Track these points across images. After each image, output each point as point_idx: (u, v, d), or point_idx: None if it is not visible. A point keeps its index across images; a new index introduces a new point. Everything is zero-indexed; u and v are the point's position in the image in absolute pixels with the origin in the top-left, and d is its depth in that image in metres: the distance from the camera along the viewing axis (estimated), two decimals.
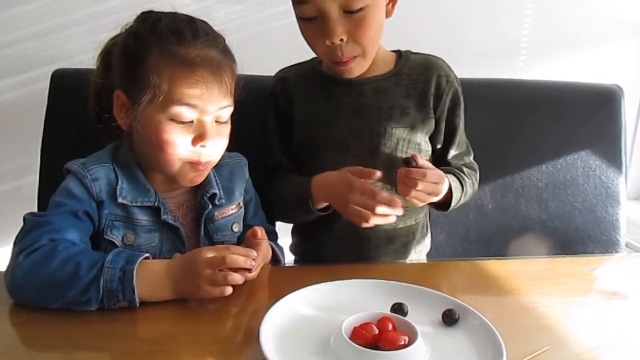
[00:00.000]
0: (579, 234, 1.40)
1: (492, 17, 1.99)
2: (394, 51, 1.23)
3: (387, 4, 1.09)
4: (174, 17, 0.96)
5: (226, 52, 0.99)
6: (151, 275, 0.86)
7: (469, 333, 0.79)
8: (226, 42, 1.00)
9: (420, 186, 1.00)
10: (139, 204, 0.99)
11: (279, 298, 0.84)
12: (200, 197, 1.05)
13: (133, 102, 0.94)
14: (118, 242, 0.98)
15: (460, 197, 1.16)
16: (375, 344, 0.73)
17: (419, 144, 1.17)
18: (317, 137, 1.18)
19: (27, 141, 1.68)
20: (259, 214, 1.17)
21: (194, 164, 0.97)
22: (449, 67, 1.21)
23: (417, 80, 1.17)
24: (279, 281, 0.99)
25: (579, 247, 1.40)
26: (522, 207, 1.41)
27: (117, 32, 1.01)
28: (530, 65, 2.04)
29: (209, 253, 0.86)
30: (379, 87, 1.16)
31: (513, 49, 2.04)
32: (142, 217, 1.00)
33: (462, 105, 1.20)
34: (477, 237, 1.41)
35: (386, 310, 0.81)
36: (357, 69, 1.12)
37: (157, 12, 0.97)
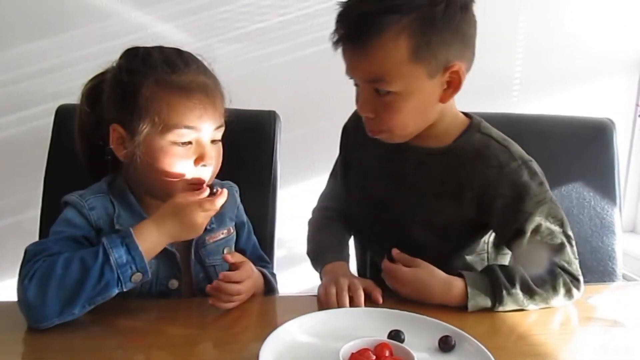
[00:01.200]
0: None
1: (486, 55, 2.03)
2: (468, 116, 1.13)
3: (446, 89, 1.00)
4: (161, 49, 1.02)
5: (214, 77, 1.05)
6: (148, 239, 0.91)
7: None
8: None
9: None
10: None
11: (276, 326, 0.84)
12: None
13: (132, 134, 0.97)
14: None
15: (494, 305, 0.98)
16: None
17: (446, 230, 1.08)
18: (361, 188, 1.21)
19: (28, 176, 1.70)
20: (251, 240, 1.21)
21: (195, 186, 0.98)
22: (511, 155, 1.05)
23: (462, 166, 1.06)
24: (276, 311, 1.00)
25: None
26: None
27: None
28: (523, 100, 2.08)
29: (182, 195, 0.94)
30: (422, 161, 1.09)
31: (506, 85, 2.09)
32: None
33: (537, 198, 1.03)
34: None
35: (383, 337, 0.82)
36: (388, 140, 1.07)
37: (144, 47, 1.02)
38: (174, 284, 1.05)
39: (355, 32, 0.94)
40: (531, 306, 0.98)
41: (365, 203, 1.20)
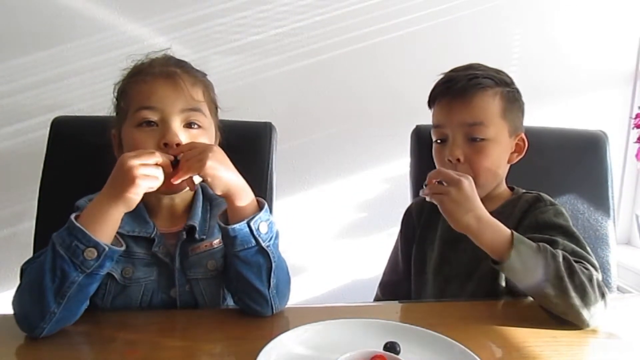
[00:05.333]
0: None
1: None
2: (511, 189, 1.29)
3: (513, 152, 1.24)
4: (157, 56, 1.08)
5: (188, 68, 1.08)
6: (91, 210, 0.90)
7: None
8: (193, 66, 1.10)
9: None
10: (135, 234, 1.02)
11: (271, 338, 0.84)
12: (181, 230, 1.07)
13: (119, 133, 1.03)
14: (118, 276, 1.01)
15: (528, 258, 0.99)
16: None
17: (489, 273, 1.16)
18: (419, 258, 1.34)
19: (23, 188, 1.71)
20: None
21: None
22: (541, 197, 1.21)
23: (506, 220, 1.11)
24: (272, 322, 0.99)
25: None
26: None
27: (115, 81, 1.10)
28: None
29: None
30: None
31: None
32: (139, 250, 1.03)
33: (562, 229, 1.11)
34: None
35: (379, 349, 0.82)
36: None
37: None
38: (174, 292, 1.05)
39: (463, 87, 1.19)
40: (569, 286, 0.96)
41: (424, 271, 1.32)
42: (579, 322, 0.98)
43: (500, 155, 1.21)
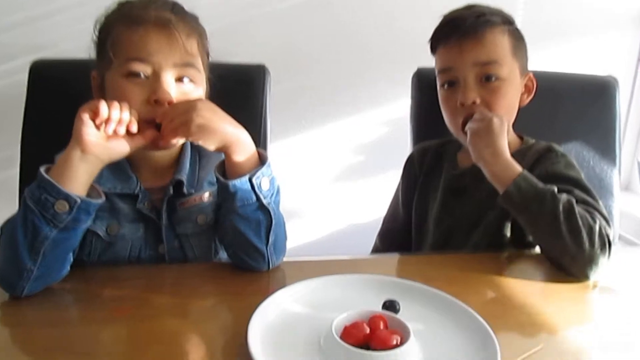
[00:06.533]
0: None
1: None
2: (520, 138, 1.25)
3: (523, 94, 1.20)
4: None
5: (182, 14, 0.98)
6: (59, 164, 0.85)
7: (463, 332, 0.77)
8: (187, 10, 1.01)
9: None
10: (118, 192, 0.97)
11: (267, 295, 0.81)
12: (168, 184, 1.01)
13: (102, 78, 0.95)
14: (102, 233, 0.97)
15: (531, 195, 0.99)
16: (366, 344, 0.70)
17: (495, 223, 1.16)
18: (420, 207, 1.31)
19: (6, 135, 1.64)
20: None
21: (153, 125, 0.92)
22: (552, 147, 1.18)
23: None
24: (267, 276, 0.96)
25: None
26: None
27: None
28: None
29: None
30: (479, 172, 1.09)
31: None
32: (123, 206, 0.98)
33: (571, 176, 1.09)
34: None
35: (378, 308, 0.79)
36: None
37: None
38: (163, 248, 1.01)
39: (471, 26, 1.13)
40: (563, 228, 0.94)
41: (425, 220, 1.29)
42: (575, 269, 0.96)
43: (514, 96, 1.18)
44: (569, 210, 0.96)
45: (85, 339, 0.76)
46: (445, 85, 1.18)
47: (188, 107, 0.88)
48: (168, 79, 0.93)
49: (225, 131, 0.90)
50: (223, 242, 1.04)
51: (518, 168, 1.03)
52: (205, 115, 0.88)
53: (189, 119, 0.87)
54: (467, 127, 1.10)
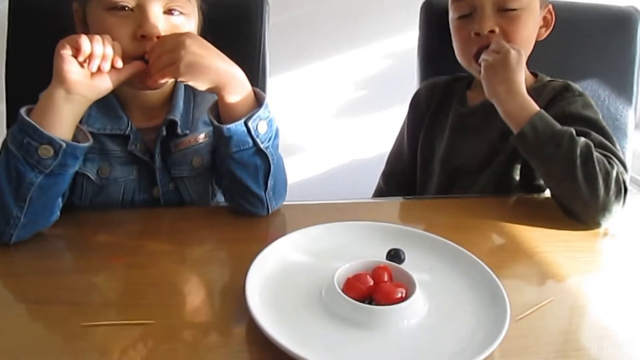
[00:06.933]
0: None
1: None
2: (534, 75, 1.18)
3: (541, 27, 1.14)
4: None
5: None
6: (41, 104, 0.79)
7: (470, 285, 0.73)
8: None
9: None
10: (107, 132, 0.92)
11: (266, 242, 0.77)
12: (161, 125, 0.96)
13: (83, 11, 0.88)
14: (93, 176, 0.93)
15: (547, 137, 0.93)
16: (370, 297, 0.67)
17: (505, 164, 1.11)
18: (428, 146, 1.25)
19: None
20: None
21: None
22: (569, 86, 1.10)
23: None
24: (267, 222, 0.93)
25: None
26: None
27: None
28: None
29: None
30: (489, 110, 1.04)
31: None
32: (114, 148, 0.94)
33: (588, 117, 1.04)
34: None
35: (382, 256, 0.76)
36: None
37: None
38: (157, 191, 0.97)
39: None
40: (578, 173, 0.89)
41: (431, 160, 1.24)
42: (586, 216, 0.92)
43: (533, 27, 1.11)
44: (587, 154, 0.91)
45: (78, 288, 0.73)
46: (460, 16, 1.11)
47: (175, 43, 0.81)
48: (155, 10, 0.85)
49: (217, 69, 0.83)
50: (220, 186, 1.00)
51: (534, 107, 0.97)
52: (196, 52, 0.81)
53: (177, 58, 0.80)
54: (481, 59, 1.03)
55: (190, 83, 0.83)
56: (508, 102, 0.98)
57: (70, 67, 0.77)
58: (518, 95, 0.98)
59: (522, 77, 1.00)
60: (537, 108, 0.96)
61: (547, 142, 0.92)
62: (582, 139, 0.93)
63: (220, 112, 0.87)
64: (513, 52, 0.99)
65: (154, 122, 0.96)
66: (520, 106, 0.97)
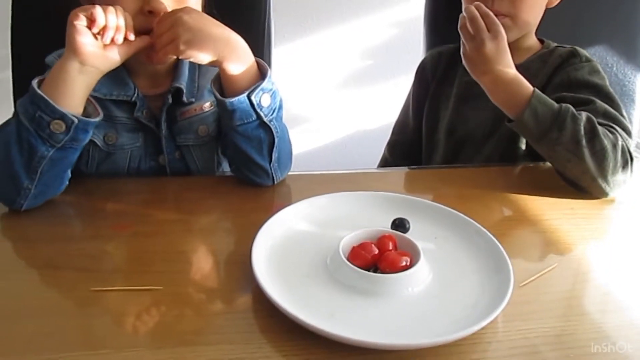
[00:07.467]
0: None
1: None
2: (541, 42, 1.16)
3: None
4: None
5: None
6: (53, 75, 0.79)
7: (475, 252, 0.74)
8: None
9: None
10: (114, 98, 0.92)
11: (272, 211, 0.78)
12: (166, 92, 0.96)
13: None
14: (100, 143, 0.93)
15: (554, 120, 0.90)
16: (374, 265, 0.68)
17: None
18: (433, 116, 1.23)
19: None
20: None
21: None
22: (576, 52, 1.08)
23: (534, 77, 1.03)
24: (272, 191, 0.93)
25: None
26: None
27: None
28: None
29: None
30: None
31: None
32: (120, 114, 0.94)
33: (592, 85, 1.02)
34: None
35: (387, 226, 0.76)
36: (505, 29, 0.98)
37: None
38: (163, 159, 0.98)
39: None
40: (585, 152, 0.88)
41: (436, 130, 1.23)
42: (593, 189, 0.92)
43: None
44: (592, 131, 0.89)
45: (88, 255, 0.74)
46: None
47: (172, 21, 0.80)
48: None
49: (216, 40, 0.82)
50: (226, 155, 1.01)
51: (527, 88, 0.91)
52: (193, 27, 0.80)
53: (176, 35, 0.79)
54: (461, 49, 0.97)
55: (192, 59, 0.82)
56: (496, 92, 0.94)
57: (85, 39, 0.77)
58: (505, 84, 0.92)
59: (506, 60, 0.93)
60: (531, 89, 0.91)
61: (550, 127, 0.89)
62: (584, 114, 0.90)
63: (223, 84, 0.87)
64: (488, 45, 0.91)
65: (159, 90, 0.96)
66: (511, 93, 0.92)
